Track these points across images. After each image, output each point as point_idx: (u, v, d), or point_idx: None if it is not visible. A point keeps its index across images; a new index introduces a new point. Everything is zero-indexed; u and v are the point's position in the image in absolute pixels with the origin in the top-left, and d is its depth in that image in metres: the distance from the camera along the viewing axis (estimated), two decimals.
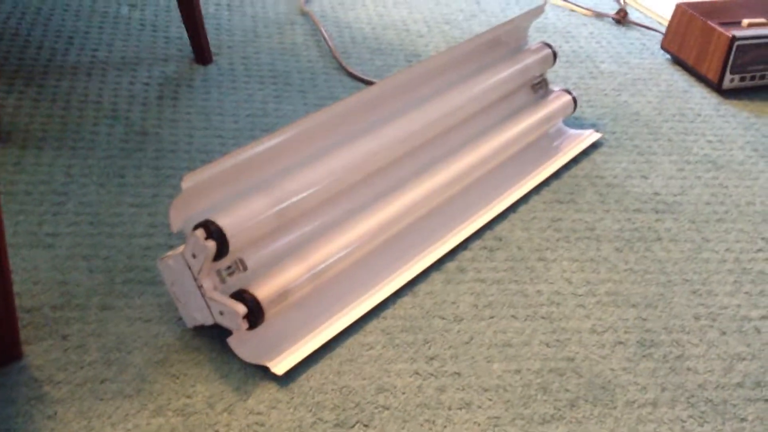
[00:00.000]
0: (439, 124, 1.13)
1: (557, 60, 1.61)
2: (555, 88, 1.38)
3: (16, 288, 0.93)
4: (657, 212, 1.20)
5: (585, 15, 1.84)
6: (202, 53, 1.49)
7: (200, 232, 0.82)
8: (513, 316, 0.97)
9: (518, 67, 1.28)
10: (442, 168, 1.11)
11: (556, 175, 1.26)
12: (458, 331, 0.94)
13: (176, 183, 1.15)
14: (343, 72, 1.50)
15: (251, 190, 0.89)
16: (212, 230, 0.83)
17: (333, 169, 0.96)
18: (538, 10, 1.33)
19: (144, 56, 1.48)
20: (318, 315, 0.91)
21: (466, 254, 1.07)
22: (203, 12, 1.65)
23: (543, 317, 0.97)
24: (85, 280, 0.96)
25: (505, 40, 1.32)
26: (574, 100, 1.35)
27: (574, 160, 1.31)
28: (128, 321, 0.90)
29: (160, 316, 0.91)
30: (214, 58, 1.51)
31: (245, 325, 0.83)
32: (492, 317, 0.97)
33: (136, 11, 1.63)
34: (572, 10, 1.85)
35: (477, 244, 1.09)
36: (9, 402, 0.79)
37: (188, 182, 0.82)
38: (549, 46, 1.35)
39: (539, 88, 1.36)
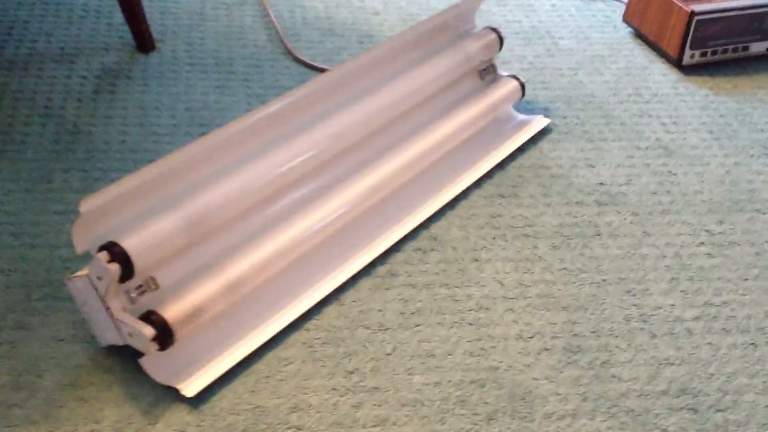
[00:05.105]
0: (372, 122, 1.10)
1: (516, 37, 1.57)
2: (503, 72, 1.34)
3: None
4: (599, 204, 1.17)
5: None
6: (143, 41, 1.44)
7: (103, 255, 0.80)
8: (439, 324, 0.95)
9: (462, 54, 1.25)
10: (375, 167, 1.08)
11: (500, 165, 1.23)
12: (381, 342, 0.92)
13: (104, 186, 1.12)
14: (290, 57, 1.46)
15: (160, 207, 0.87)
16: (116, 252, 0.81)
17: (248, 180, 0.93)
18: None
19: (84, 46, 1.44)
20: (236, 331, 0.89)
21: (399, 257, 1.05)
22: None
23: (470, 324, 0.96)
24: (2, 296, 0.94)
25: (451, 25, 1.28)
26: (522, 86, 1.32)
27: (521, 148, 1.28)
28: (41, 341, 0.89)
29: (74, 334, 0.90)
30: (157, 44, 1.47)
31: (155, 347, 0.82)
32: (418, 325, 0.95)
33: None
34: None
35: (411, 245, 1.07)
36: None
37: (87, 206, 0.80)
38: (495, 30, 1.31)
39: (487, 74, 1.32)
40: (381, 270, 1.02)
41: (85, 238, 0.82)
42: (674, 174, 1.24)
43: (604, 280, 1.04)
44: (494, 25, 1.62)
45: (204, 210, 0.88)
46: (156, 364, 0.85)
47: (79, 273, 0.84)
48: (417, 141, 1.15)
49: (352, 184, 1.04)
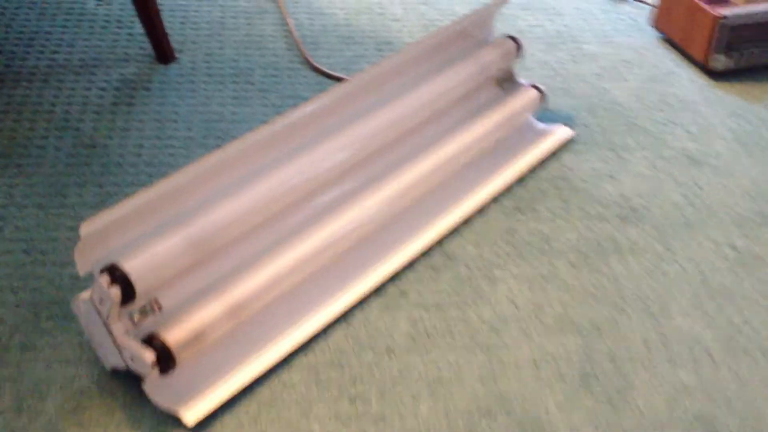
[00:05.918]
0: (384, 136, 1.08)
1: (539, 42, 1.53)
2: (523, 81, 1.31)
3: None
4: (621, 219, 1.13)
5: None
6: (162, 52, 1.44)
7: (104, 278, 0.80)
8: (449, 347, 0.93)
9: (478, 64, 1.22)
10: (386, 182, 1.06)
11: (519, 180, 1.20)
12: (388, 366, 0.90)
13: (118, 201, 1.12)
14: (308, 66, 1.45)
15: (164, 227, 0.86)
16: (117, 275, 0.80)
17: (254, 199, 0.92)
18: (502, 0, 1.25)
19: (105, 57, 1.45)
20: (240, 354, 0.88)
21: (410, 275, 1.03)
22: (172, 3, 1.61)
23: (481, 347, 0.93)
24: (10, 315, 0.94)
25: (467, 33, 1.25)
26: (542, 94, 1.28)
27: (542, 160, 1.24)
28: (46, 363, 0.88)
29: (80, 356, 0.89)
30: (177, 55, 1.47)
31: (155, 372, 0.81)
32: (427, 349, 0.93)
33: (103, 7, 1.59)
34: None
35: (423, 262, 1.05)
36: None
37: (87, 229, 0.79)
38: (513, 38, 1.28)
39: (505, 82, 1.29)
40: (391, 289, 1.00)
41: (87, 259, 0.82)
42: (699, 185, 1.20)
43: (623, 300, 1.00)
44: (517, 30, 1.59)
45: (208, 230, 0.87)
46: (158, 389, 0.84)
47: (82, 294, 0.84)
48: (430, 154, 1.13)
49: (363, 200, 1.02)
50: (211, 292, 0.87)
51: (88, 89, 1.35)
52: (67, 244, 1.04)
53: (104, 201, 1.12)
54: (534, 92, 1.28)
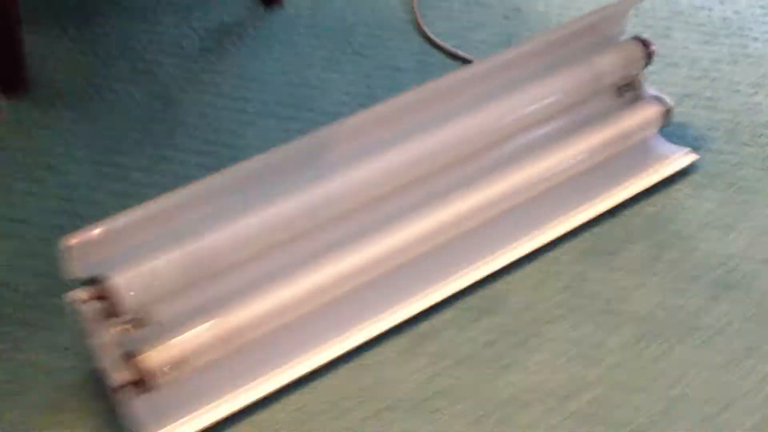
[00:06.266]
0: (454, 150, 0.95)
1: (697, 31, 1.29)
2: (649, 91, 1.10)
3: None
4: (718, 286, 0.94)
5: None
6: None
7: (85, 291, 0.75)
8: (461, 415, 0.82)
9: (594, 69, 1.03)
10: (449, 202, 0.93)
11: (611, 212, 1.03)
12: (387, 424, 0.81)
13: (171, 169, 1.07)
14: (417, 30, 1.31)
15: (166, 241, 0.79)
16: (101, 289, 0.75)
17: (275, 216, 0.83)
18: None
19: None
20: (224, 386, 0.81)
21: (445, 315, 0.91)
22: None
23: (496, 423, 0.81)
24: (30, 284, 0.93)
25: (596, 29, 1.06)
26: (667, 112, 1.08)
27: (648, 191, 1.05)
28: (43, 347, 0.87)
29: (75, 346, 0.86)
30: (284, 1, 1.37)
31: (125, 392, 0.77)
32: (434, 411, 0.82)
33: None
34: None
35: (466, 301, 0.92)
36: None
37: (73, 241, 0.74)
38: (643, 41, 1.07)
39: (626, 91, 1.09)
40: (417, 330, 0.89)
41: (79, 265, 0.77)
42: None
43: (683, 395, 0.84)
44: (676, 12, 1.35)
45: (214, 249, 0.80)
46: (135, 405, 0.80)
47: (71, 294, 0.79)
48: (509, 174, 0.98)
49: (408, 223, 0.91)
50: (205, 314, 0.81)
51: (177, 30, 1.29)
52: (105, 209, 0.99)
53: (155, 166, 1.07)
54: (657, 107, 1.07)
